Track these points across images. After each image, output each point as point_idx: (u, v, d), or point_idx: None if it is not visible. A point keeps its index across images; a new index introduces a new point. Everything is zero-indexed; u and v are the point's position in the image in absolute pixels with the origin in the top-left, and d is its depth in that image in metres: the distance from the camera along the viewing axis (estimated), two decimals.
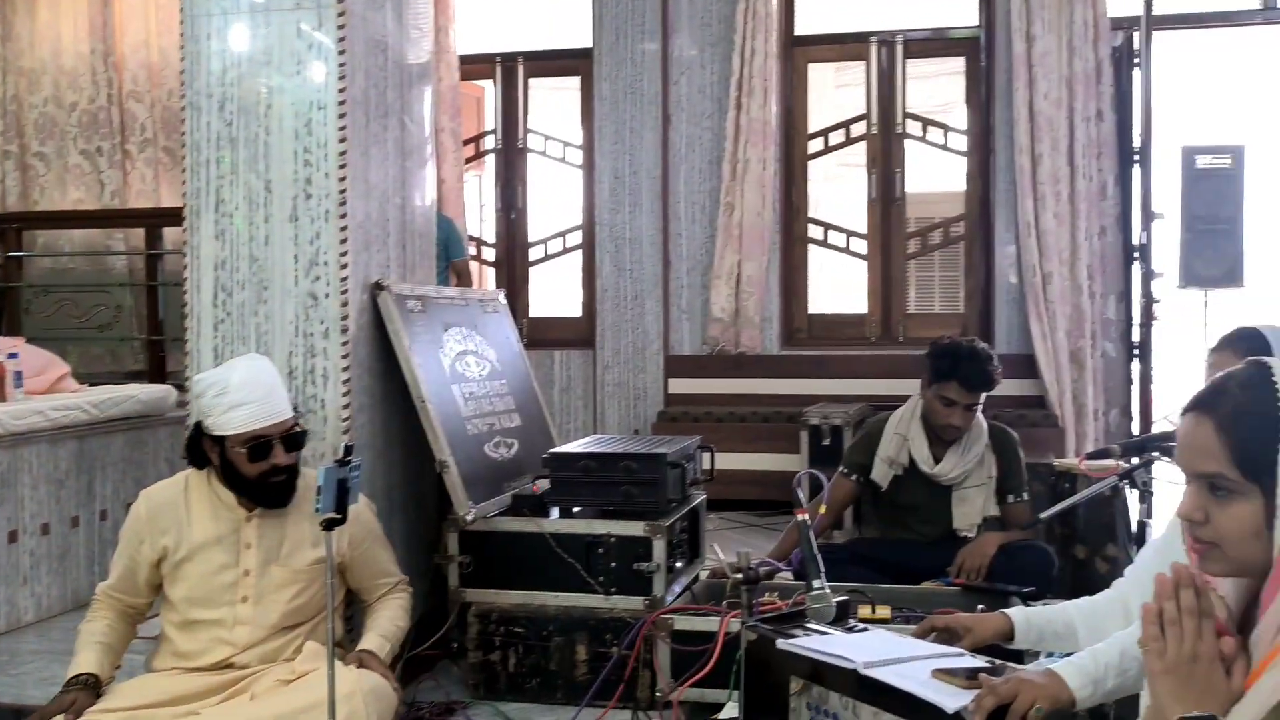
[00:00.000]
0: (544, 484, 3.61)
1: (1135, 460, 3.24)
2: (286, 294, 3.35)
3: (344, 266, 3.33)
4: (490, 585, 3.49)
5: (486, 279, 7.46)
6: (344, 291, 3.33)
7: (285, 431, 2.84)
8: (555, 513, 3.57)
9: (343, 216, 3.33)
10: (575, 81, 7.26)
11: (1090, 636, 2.32)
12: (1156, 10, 5.88)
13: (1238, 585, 1.52)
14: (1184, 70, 9.40)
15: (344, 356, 3.33)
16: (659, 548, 3.40)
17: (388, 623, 2.98)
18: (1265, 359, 1.46)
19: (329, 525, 2.54)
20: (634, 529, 3.42)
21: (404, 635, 3.04)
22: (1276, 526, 1.40)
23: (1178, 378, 9.06)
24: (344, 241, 3.33)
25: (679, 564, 3.58)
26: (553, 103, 8.15)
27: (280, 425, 2.83)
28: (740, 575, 2.65)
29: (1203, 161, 7.12)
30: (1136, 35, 6.05)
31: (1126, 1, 6.25)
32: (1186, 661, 1.39)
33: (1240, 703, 1.43)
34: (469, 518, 3.42)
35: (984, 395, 3.84)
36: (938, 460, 3.90)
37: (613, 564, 3.42)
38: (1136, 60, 6.04)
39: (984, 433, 3.92)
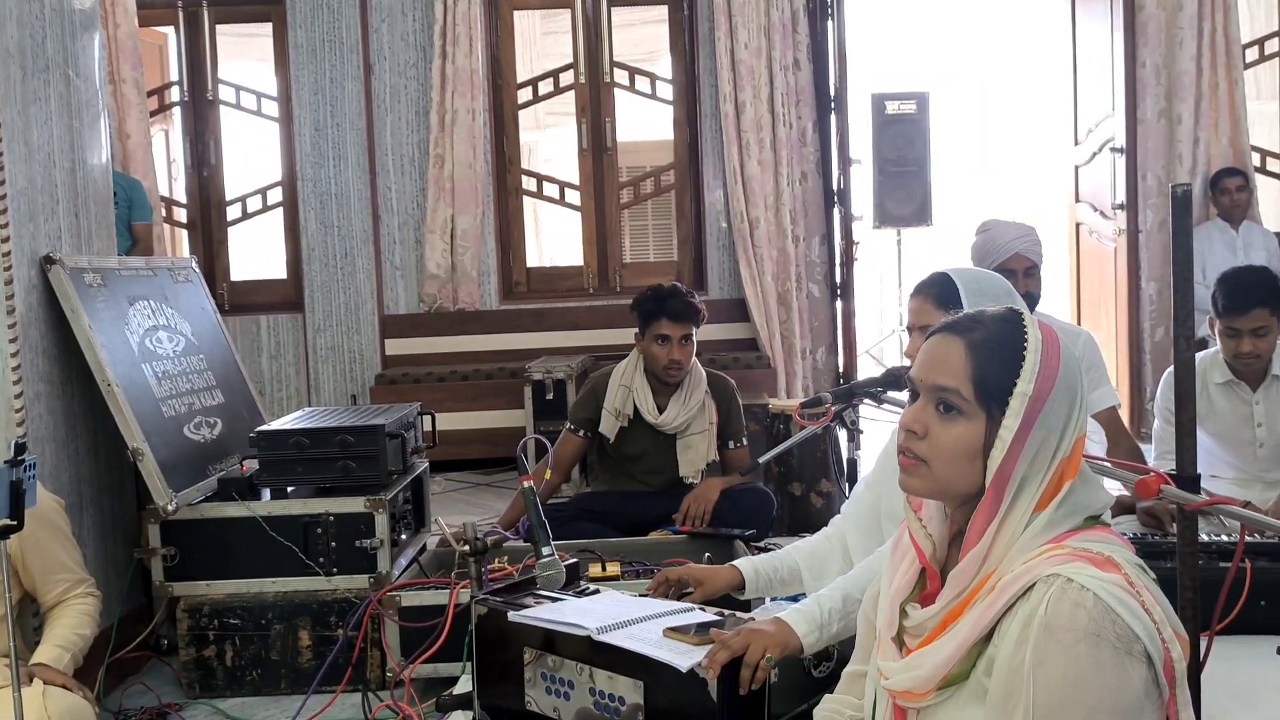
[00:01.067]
0: (253, 464, 3.39)
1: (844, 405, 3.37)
2: None
3: (5, 240, 2.99)
4: (200, 577, 3.29)
5: (181, 243, 6.94)
6: (8, 268, 3.00)
7: None
8: (267, 494, 3.38)
9: (0, 184, 2.98)
10: (268, 28, 6.82)
11: (814, 579, 2.42)
12: None
13: (940, 517, 1.56)
14: (875, 20, 9.90)
15: (12, 341, 2.99)
16: (381, 522, 3.28)
17: (67, 630, 2.68)
18: (1021, 310, 1.55)
19: (3, 534, 2.27)
20: (354, 505, 3.29)
21: (87, 645, 2.74)
22: (991, 456, 1.45)
23: (876, 313, 9.65)
24: (4, 212, 2.98)
25: (404, 536, 3.47)
26: (244, 51, 7.64)
27: None
28: (467, 547, 2.57)
29: (891, 108, 7.54)
30: None
31: None
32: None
33: (936, 642, 1.48)
34: (170, 507, 3.18)
35: (694, 328, 3.93)
36: (661, 410, 3.98)
37: (333, 543, 3.28)
38: (830, 10, 6.26)
39: (703, 380, 4.03)
